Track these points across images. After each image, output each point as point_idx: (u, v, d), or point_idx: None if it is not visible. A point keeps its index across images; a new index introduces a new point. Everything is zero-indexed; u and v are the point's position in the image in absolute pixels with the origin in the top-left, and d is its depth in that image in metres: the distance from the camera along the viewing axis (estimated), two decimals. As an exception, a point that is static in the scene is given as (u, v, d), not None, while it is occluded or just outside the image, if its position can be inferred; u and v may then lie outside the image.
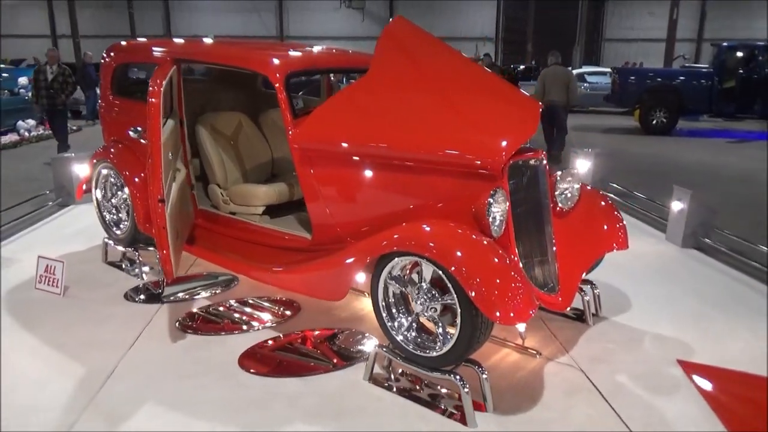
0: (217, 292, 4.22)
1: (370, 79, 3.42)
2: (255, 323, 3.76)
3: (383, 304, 2.99)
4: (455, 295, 2.66)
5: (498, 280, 2.61)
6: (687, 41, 30.48)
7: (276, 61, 3.57)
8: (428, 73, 3.30)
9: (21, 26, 31.11)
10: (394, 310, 3.00)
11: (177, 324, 3.71)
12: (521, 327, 3.43)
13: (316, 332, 3.64)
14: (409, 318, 2.96)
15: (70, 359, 3.30)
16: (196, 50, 4.03)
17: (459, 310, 2.67)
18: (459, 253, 2.65)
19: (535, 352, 3.38)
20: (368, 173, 3.29)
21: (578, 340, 3.57)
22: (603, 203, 3.73)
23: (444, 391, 2.98)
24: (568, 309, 3.47)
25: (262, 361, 3.31)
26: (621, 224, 3.64)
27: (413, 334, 2.95)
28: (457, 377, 2.77)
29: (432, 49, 3.42)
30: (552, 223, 3.33)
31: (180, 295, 4.17)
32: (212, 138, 4.18)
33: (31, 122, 12.60)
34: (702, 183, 8.51)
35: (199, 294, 4.19)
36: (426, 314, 2.88)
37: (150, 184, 3.18)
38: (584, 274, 3.70)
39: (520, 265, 3.04)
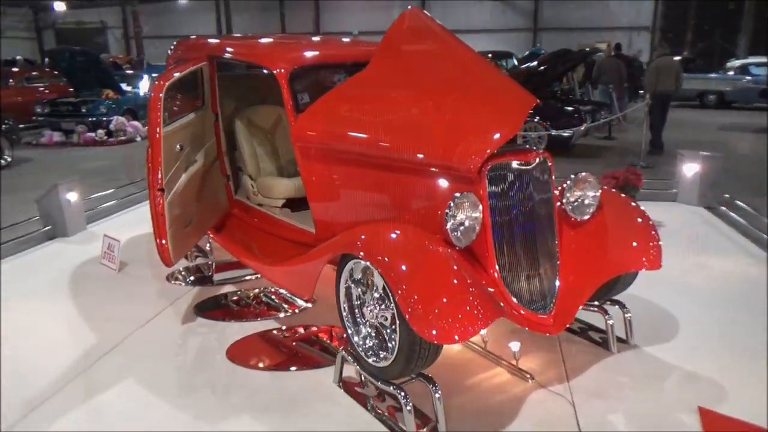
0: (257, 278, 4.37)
1: (367, 74, 3.30)
2: (280, 312, 3.84)
3: (345, 306, 2.88)
4: (395, 307, 2.48)
5: (444, 299, 2.38)
6: None
7: (280, 57, 3.59)
8: (426, 70, 3.11)
9: (193, 28, 34.71)
10: (357, 313, 2.88)
11: (194, 308, 3.92)
12: (515, 346, 3.12)
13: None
14: (367, 323, 2.83)
15: (89, 330, 3.63)
16: (223, 47, 4.19)
17: (398, 322, 2.49)
18: (403, 267, 2.46)
19: (528, 375, 3.05)
20: (358, 172, 3.19)
21: (588, 369, 3.15)
22: (634, 214, 3.24)
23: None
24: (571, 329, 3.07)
25: (279, 349, 3.37)
26: (654, 240, 3.14)
27: (371, 340, 2.81)
28: (402, 393, 2.59)
29: (438, 43, 3.21)
30: (556, 235, 2.98)
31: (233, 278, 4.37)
32: (247, 131, 4.33)
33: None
34: None
35: (247, 279, 4.36)
36: (376, 321, 2.73)
37: (149, 174, 3.38)
38: (601, 294, 3.28)
39: (498, 278, 2.75)
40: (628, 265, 3.10)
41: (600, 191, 3.14)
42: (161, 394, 2.95)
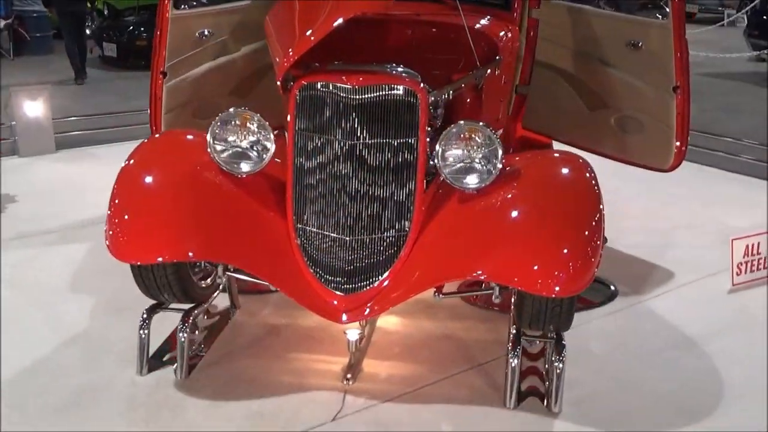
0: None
1: None
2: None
3: None
4: None
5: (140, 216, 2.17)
6: None
7: None
8: None
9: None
10: None
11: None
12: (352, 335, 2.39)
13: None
14: None
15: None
16: None
17: None
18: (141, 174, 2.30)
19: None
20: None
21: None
22: (566, 204, 2.18)
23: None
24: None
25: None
26: (578, 250, 2.06)
27: None
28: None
29: None
30: (414, 199, 2.26)
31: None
32: None
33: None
34: None
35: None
36: None
37: (153, 56, 3.12)
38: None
39: (292, 228, 2.30)
40: (500, 276, 2.12)
41: (500, 153, 2.16)
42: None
